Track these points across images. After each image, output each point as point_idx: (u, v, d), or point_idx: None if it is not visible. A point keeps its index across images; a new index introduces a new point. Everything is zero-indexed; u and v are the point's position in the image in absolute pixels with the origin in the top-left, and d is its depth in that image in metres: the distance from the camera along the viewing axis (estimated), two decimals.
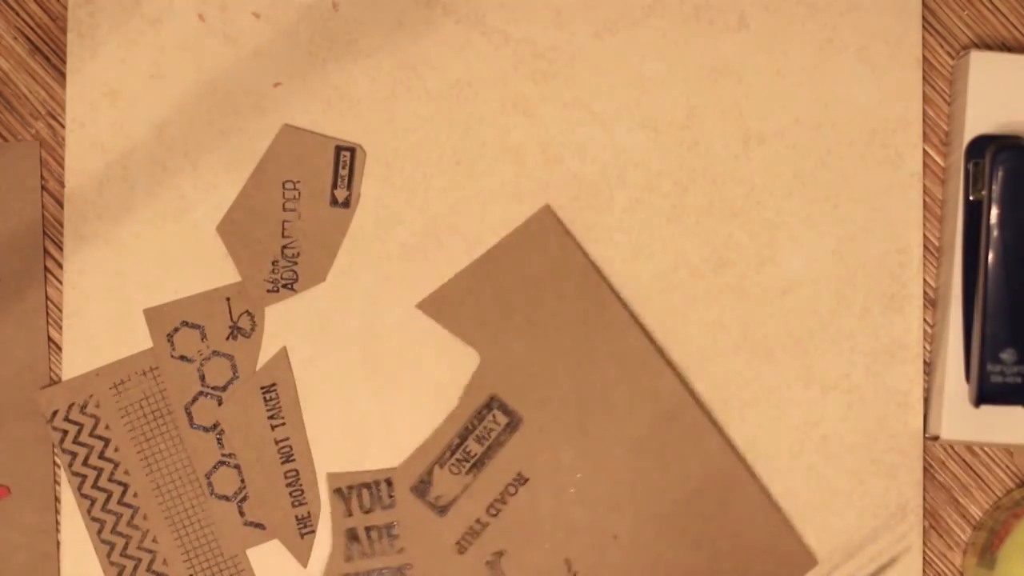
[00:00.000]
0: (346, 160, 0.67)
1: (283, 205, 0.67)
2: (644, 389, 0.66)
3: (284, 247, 0.67)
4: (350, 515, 0.66)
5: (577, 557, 0.66)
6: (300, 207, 0.68)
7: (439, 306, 0.67)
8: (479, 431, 0.66)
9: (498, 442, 0.66)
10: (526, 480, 0.66)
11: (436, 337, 0.67)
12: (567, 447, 0.66)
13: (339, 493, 0.66)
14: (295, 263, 0.67)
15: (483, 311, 0.67)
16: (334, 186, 0.68)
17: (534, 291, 0.67)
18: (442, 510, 0.66)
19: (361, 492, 0.66)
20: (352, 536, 0.66)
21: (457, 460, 0.66)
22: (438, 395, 0.67)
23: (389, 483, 0.66)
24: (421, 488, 0.66)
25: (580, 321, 0.67)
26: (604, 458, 0.66)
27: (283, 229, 0.67)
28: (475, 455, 0.66)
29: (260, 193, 0.68)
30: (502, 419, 0.66)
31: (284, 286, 0.67)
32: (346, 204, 0.68)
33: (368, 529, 0.66)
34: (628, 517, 0.66)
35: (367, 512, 0.66)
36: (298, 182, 0.68)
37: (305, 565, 0.67)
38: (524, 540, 0.66)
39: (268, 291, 0.67)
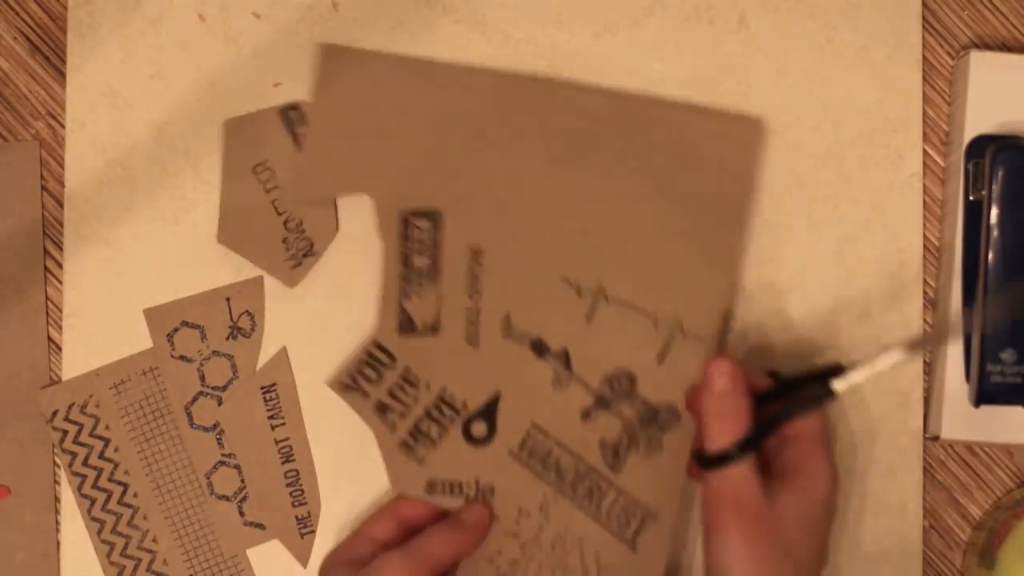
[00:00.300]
0: (297, 118, 0.68)
1: (264, 188, 0.67)
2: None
3: (285, 223, 0.67)
4: (367, 396, 0.66)
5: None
6: (278, 181, 0.68)
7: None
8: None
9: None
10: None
11: None
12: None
13: (346, 387, 0.66)
14: (303, 231, 0.67)
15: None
16: (298, 147, 0.68)
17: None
18: (433, 329, 0.66)
19: (363, 370, 0.66)
20: (381, 408, 0.66)
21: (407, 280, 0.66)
22: None
23: (377, 344, 0.66)
24: (404, 326, 0.66)
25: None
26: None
27: (275, 208, 0.67)
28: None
29: (238, 189, 0.68)
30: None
31: (305, 255, 0.67)
32: None
33: (390, 391, 0.66)
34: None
35: (378, 382, 0.66)
36: (265, 160, 0.68)
37: (305, 565, 0.67)
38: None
39: (294, 267, 0.67)
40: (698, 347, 0.65)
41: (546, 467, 0.65)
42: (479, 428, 0.65)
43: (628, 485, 0.64)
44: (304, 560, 0.67)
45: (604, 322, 0.65)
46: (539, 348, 0.65)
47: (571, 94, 0.67)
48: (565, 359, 0.65)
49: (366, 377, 0.66)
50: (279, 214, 0.68)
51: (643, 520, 0.64)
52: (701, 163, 0.65)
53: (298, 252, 0.67)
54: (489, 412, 0.65)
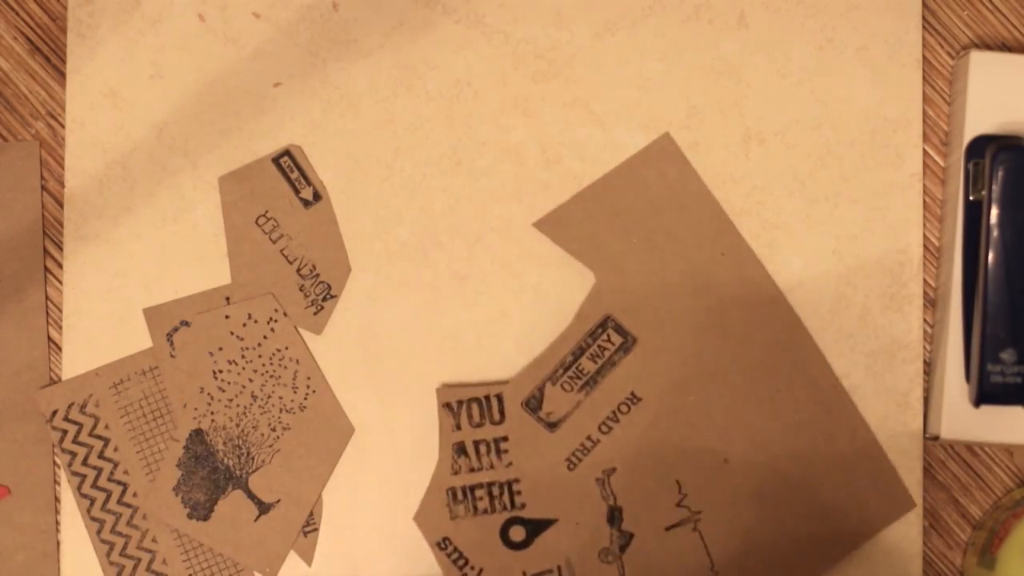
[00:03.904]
0: (289, 165, 0.68)
1: (270, 238, 0.68)
2: (759, 317, 0.66)
3: (298, 270, 0.67)
4: (458, 429, 0.66)
5: (687, 479, 0.66)
6: (283, 229, 0.68)
7: (556, 226, 0.67)
8: (593, 350, 0.66)
9: (611, 361, 0.66)
10: (639, 400, 0.66)
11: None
12: (681, 369, 0.66)
13: (448, 408, 0.66)
14: (317, 275, 0.67)
15: (600, 232, 0.67)
16: (296, 192, 0.68)
17: (652, 214, 0.66)
18: (552, 426, 0.66)
19: (471, 406, 0.66)
20: (460, 450, 0.66)
21: (570, 377, 0.66)
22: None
23: (499, 398, 0.66)
24: (532, 403, 0.66)
25: (697, 246, 0.66)
26: (717, 382, 0.66)
27: (285, 257, 0.68)
28: (588, 373, 0.66)
29: (244, 245, 0.68)
30: (616, 339, 0.66)
31: (324, 299, 0.67)
32: (318, 198, 0.68)
33: (477, 443, 0.66)
34: (739, 442, 0.66)
35: (476, 426, 0.66)
36: (267, 211, 0.68)
37: (310, 564, 0.67)
38: (634, 459, 0.66)
39: (315, 314, 0.67)
40: None
41: None
42: (517, 533, 0.66)
43: None
44: (308, 559, 0.67)
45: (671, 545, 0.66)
46: (612, 517, 0.66)
47: None
48: (624, 542, 0.66)
49: (470, 417, 0.66)
50: (290, 262, 0.67)
51: None
52: None
53: (317, 298, 0.67)
54: (536, 528, 0.66)
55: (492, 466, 0.66)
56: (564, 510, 0.66)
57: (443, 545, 0.66)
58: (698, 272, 0.66)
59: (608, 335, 0.66)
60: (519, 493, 0.66)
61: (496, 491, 0.66)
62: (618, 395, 0.66)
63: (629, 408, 0.66)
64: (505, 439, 0.66)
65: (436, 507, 0.66)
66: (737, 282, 0.67)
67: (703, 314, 0.66)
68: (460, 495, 0.66)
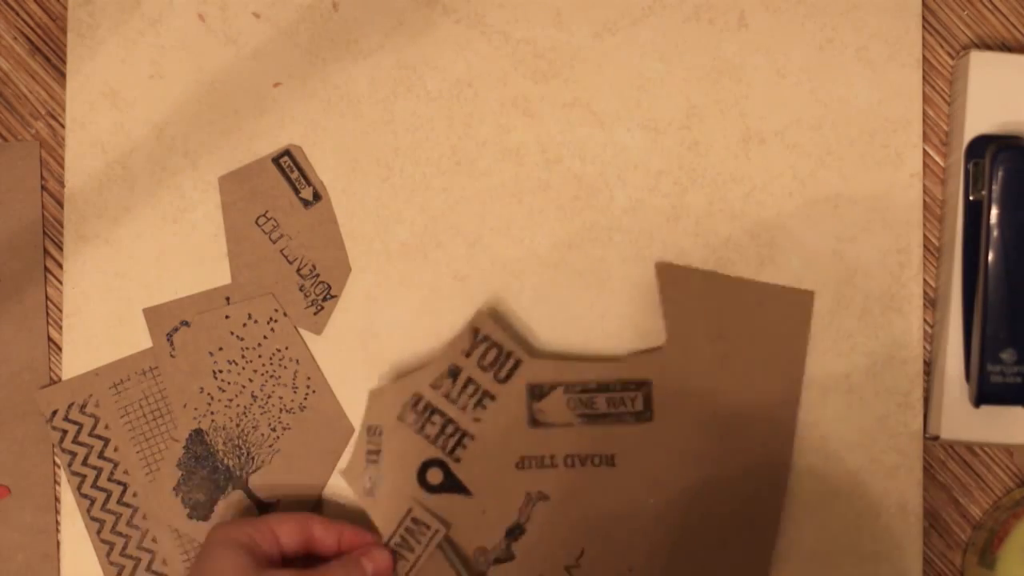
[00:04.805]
0: (289, 164, 0.68)
1: (270, 238, 0.67)
2: (752, 475, 0.67)
3: (298, 270, 0.67)
4: (467, 356, 0.66)
5: (591, 554, 0.66)
6: (283, 229, 0.68)
7: (674, 281, 0.67)
8: (612, 395, 0.66)
9: (620, 417, 0.66)
10: (613, 464, 0.66)
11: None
12: (667, 472, 0.66)
13: (474, 332, 0.66)
14: (317, 275, 0.67)
15: (702, 317, 0.67)
16: (296, 192, 0.68)
17: (747, 341, 0.66)
18: (535, 423, 0.66)
19: (491, 349, 0.66)
20: (453, 373, 0.66)
21: (580, 399, 0.66)
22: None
23: (517, 363, 0.66)
24: (536, 391, 0.66)
25: (757, 392, 0.67)
26: (686, 497, 0.66)
27: (285, 257, 0.67)
28: (596, 410, 0.66)
29: (244, 245, 0.68)
30: (639, 404, 0.66)
31: (324, 299, 0.67)
32: (317, 198, 0.68)
33: (468, 380, 0.66)
34: (656, 560, 0.66)
35: (481, 368, 0.66)
36: (267, 211, 0.68)
37: None
38: (568, 504, 0.66)
39: (315, 314, 0.67)
40: None
41: None
42: (435, 476, 0.66)
43: None
44: None
45: None
46: (512, 531, 0.66)
47: None
48: (502, 558, 0.66)
49: (483, 356, 0.66)
50: (289, 262, 0.67)
51: None
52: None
53: (317, 298, 0.67)
54: (451, 485, 0.66)
55: (464, 408, 0.66)
56: (483, 493, 0.66)
57: (372, 431, 0.65)
58: (738, 408, 0.66)
59: (636, 396, 0.66)
60: (463, 447, 0.66)
61: (450, 430, 0.66)
62: (600, 448, 0.66)
63: (599, 464, 0.66)
64: (493, 398, 0.66)
65: (392, 398, 0.66)
66: (759, 444, 0.66)
67: (713, 440, 0.66)
68: (421, 407, 0.66)
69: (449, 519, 0.65)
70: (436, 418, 0.66)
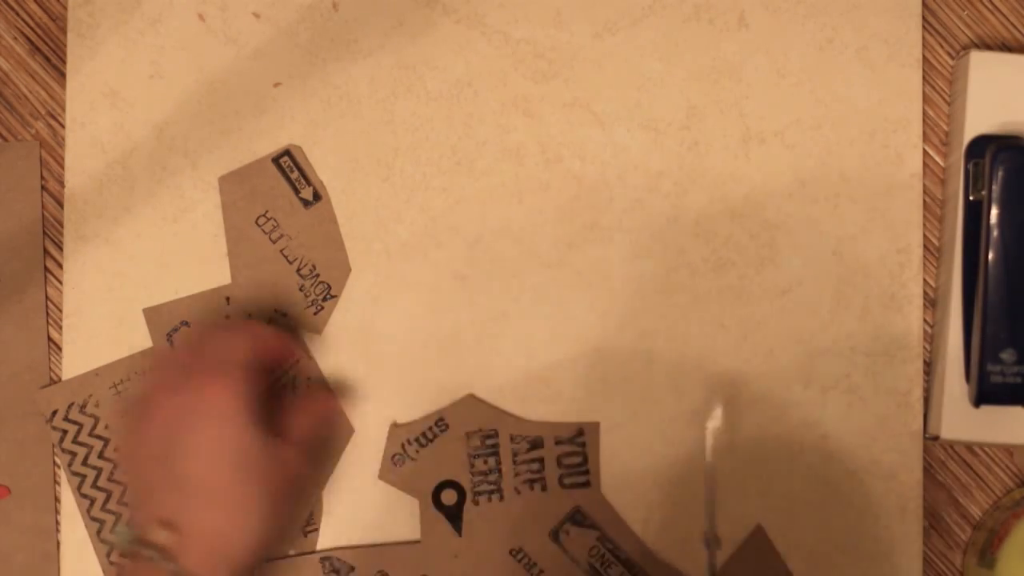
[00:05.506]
0: (289, 164, 0.68)
1: (269, 238, 0.67)
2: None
3: (298, 270, 0.67)
4: (557, 443, 0.66)
5: None
6: (283, 229, 0.68)
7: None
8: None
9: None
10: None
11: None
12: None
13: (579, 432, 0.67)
14: (317, 275, 0.67)
15: None
16: (296, 192, 0.68)
17: None
18: (557, 539, 0.66)
19: (574, 455, 0.67)
20: (534, 443, 0.66)
21: (605, 559, 0.67)
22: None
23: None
24: (578, 519, 0.67)
25: None
26: None
27: (285, 257, 0.67)
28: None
29: (244, 245, 0.68)
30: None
31: (324, 299, 0.67)
32: (317, 198, 0.68)
33: (542, 460, 0.67)
34: None
35: (559, 464, 0.67)
36: (267, 212, 0.68)
37: None
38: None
39: (315, 314, 0.67)
40: None
41: None
42: (449, 497, 0.67)
43: None
44: None
45: None
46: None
47: None
48: None
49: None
50: (289, 262, 0.67)
51: None
52: None
53: (317, 298, 0.67)
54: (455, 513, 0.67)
55: (518, 474, 0.66)
56: (468, 544, 0.66)
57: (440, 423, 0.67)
58: None
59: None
60: (489, 500, 0.66)
61: (492, 477, 0.66)
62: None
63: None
64: (544, 489, 0.67)
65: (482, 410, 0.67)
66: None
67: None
68: (491, 442, 0.66)
69: (424, 540, 0.66)
70: (492, 460, 0.66)
